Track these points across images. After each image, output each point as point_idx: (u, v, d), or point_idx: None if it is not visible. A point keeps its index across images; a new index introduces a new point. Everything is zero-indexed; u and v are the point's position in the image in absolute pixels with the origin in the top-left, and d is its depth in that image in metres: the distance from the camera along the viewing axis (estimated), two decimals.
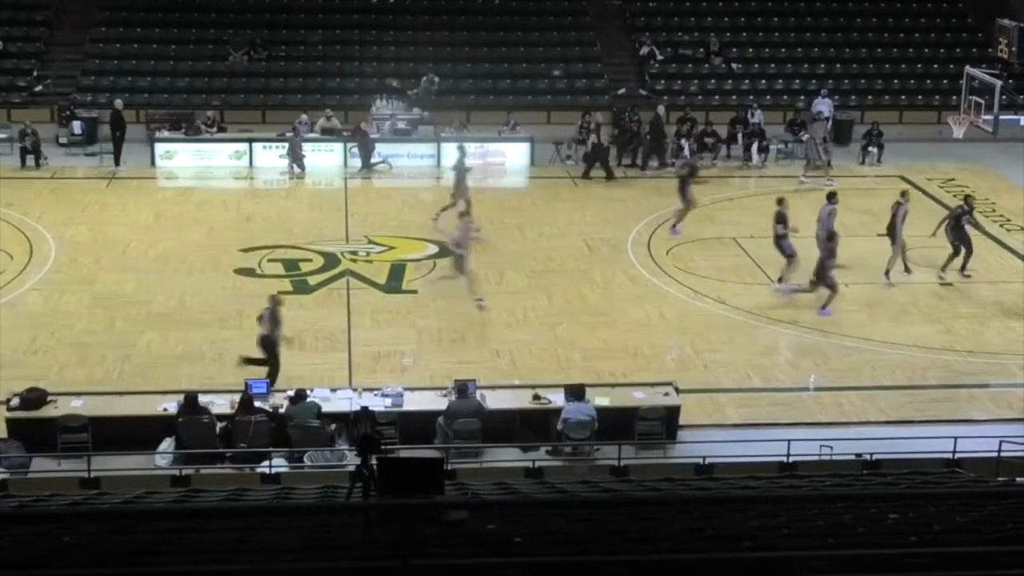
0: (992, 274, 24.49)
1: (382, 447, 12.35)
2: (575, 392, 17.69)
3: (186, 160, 31.08)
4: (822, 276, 22.30)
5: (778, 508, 10.18)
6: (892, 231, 23.98)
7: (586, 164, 30.70)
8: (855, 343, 21.36)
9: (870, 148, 32.21)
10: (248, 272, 24.05)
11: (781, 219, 23.42)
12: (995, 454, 16.31)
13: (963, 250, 23.95)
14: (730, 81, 35.84)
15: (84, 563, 8.01)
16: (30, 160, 30.31)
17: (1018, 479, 15.52)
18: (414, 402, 17.93)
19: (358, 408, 17.26)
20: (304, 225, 26.72)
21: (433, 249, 25.38)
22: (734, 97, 34.95)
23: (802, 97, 34.51)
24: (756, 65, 36.29)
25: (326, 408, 17.48)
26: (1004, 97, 28.48)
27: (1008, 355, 20.98)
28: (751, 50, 36.69)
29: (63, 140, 31.97)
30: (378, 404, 17.53)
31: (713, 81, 35.85)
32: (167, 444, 16.97)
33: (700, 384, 19.65)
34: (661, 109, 32.00)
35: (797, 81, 35.81)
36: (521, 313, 22.20)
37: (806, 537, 8.88)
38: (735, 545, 8.36)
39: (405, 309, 22.35)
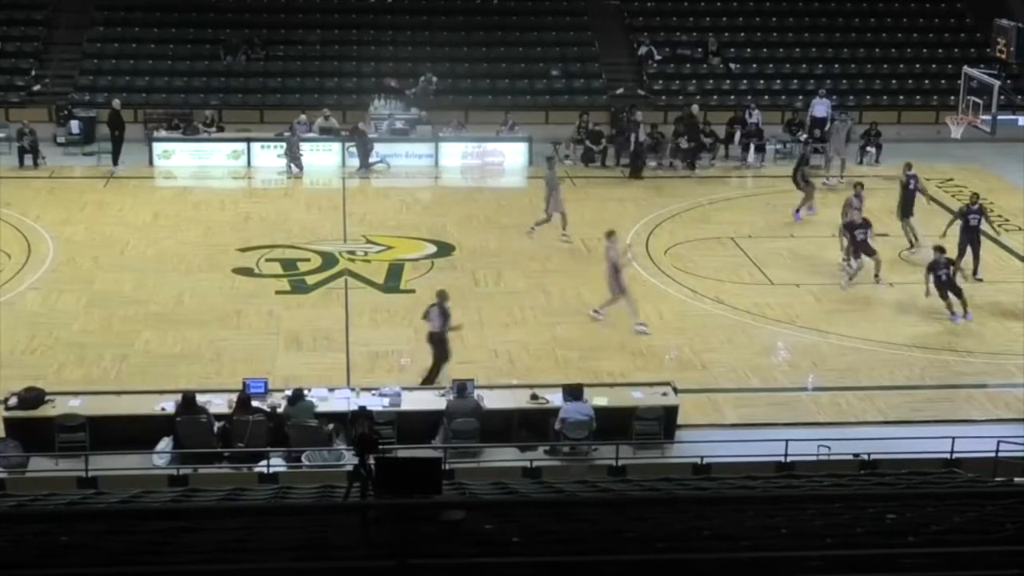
0: (990, 274, 24.48)
1: (380, 447, 12.34)
2: (573, 392, 17.68)
3: (184, 160, 31.07)
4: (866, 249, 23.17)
5: (776, 508, 10.17)
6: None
7: (631, 164, 30.76)
8: (853, 343, 21.37)
9: (868, 148, 32.23)
10: (246, 272, 24.05)
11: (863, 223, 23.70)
12: (993, 454, 16.32)
13: (968, 249, 23.87)
14: (728, 81, 35.86)
15: (82, 563, 8.00)
16: (28, 160, 30.32)
17: (1016, 479, 15.51)
18: (412, 402, 17.93)
19: (356, 408, 17.25)
20: (302, 225, 26.72)
21: (431, 249, 25.39)
22: (732, 97, 34.97)
23: (800, 97, 34.53)
24: (754, 65, 36.31)
25: (324, 408, 17.48)
26: (1002, 97, 28.49)
27: (1006, 355, 20.99)
28: (749, 50, 36.71)
29: (61, 140, 31.98)
30: (376, 404, 17.51)
31: (711, 81, 35.86)
32: (165, 444, 16.96)
33: (698, 384, 19.66)
34: (695, 108, 31.95)
35: (795, 81, 35.82)
36: (519, 313, 22.20)
37: (804, 537, 8.87)
38: (733, 545, 8.36)
39: (403, 309, 22.34)
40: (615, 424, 17.64)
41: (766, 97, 34.96)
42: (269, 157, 30.97)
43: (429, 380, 19.06)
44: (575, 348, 20.69)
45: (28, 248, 25.00)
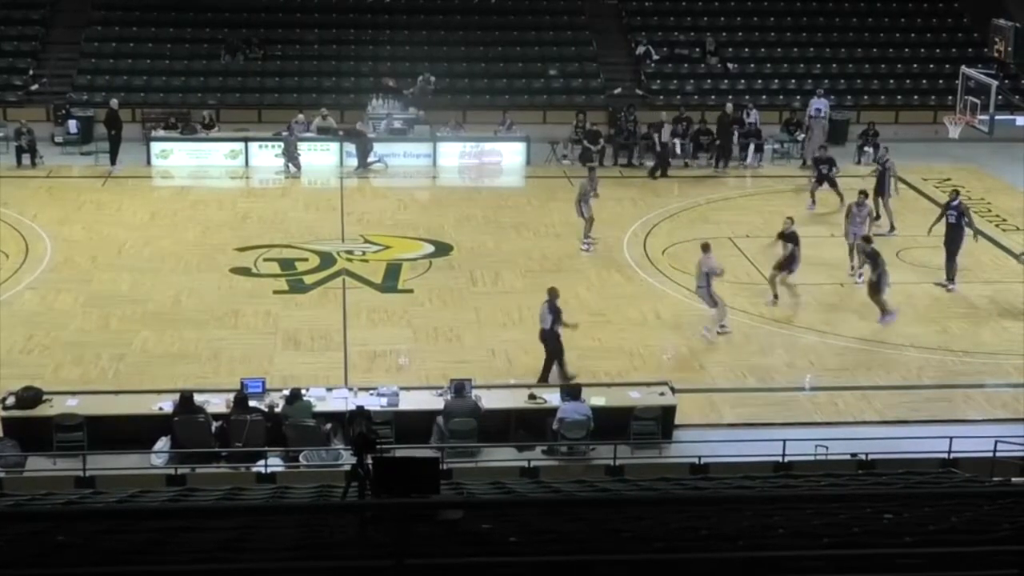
0: (987, 274, 24.51)
1: (377, 446, 12.36)
2: (571, 392, 17.69)
3: (182, 159, 31.06)
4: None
5: (773, 508, 10.18)
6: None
7: (655, 164, 30.80)
8: (850, 343, 21.38)
9: (866, 148, 32.24)
10: (244, 271, 24.05)
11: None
12: (990, 454, 16.33)
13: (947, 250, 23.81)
14: (726, 81, 35.85)
15: (79, 562, 8.00)
16: (26, 159, 30.30)
17: (1013, 479, 15.53)
18: (410, 401, 17.92)
19: (354, 407, 17.25)
20: (300, 224, 26.72)
21: (429, 248, 25.39)
22: (730, 97, 34.94)
23: (798, 97, 34.52)
24: (752, 65, 36.31)
25: (322, 407, 17.48)
26: (1000, 97, 28.49)
27: (1003, 355, 21.00)
28: (747, 50, 36.71)
29: (59, 139, 31.97)
30: (374, 403, 17.50)
31: (709, 81, 35.86)
32: (163, 443, 16.96)
33: (696, 384, 19.66)
34: (729, 107, 31.92)
35: (793, 81, 35.83)
36: (517, 313, 22.20)
37: (801, 537, 8.88)
38: (730, 545, 8.37)
39: (401, 308, 22.35)
40: (613, 424, 17.64)
41: (764, 97, 34.98)
42: (267, 157, 30.96)
43: (543, 378, 19.21)
44: (573, 348, 20.66)
45: (26, 248, 24.98)
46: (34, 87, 33.97)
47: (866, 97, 35.51)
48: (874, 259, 21.84)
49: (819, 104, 32.76)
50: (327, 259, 24.76)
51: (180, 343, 20.75)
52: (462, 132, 32.08)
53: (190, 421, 17.02)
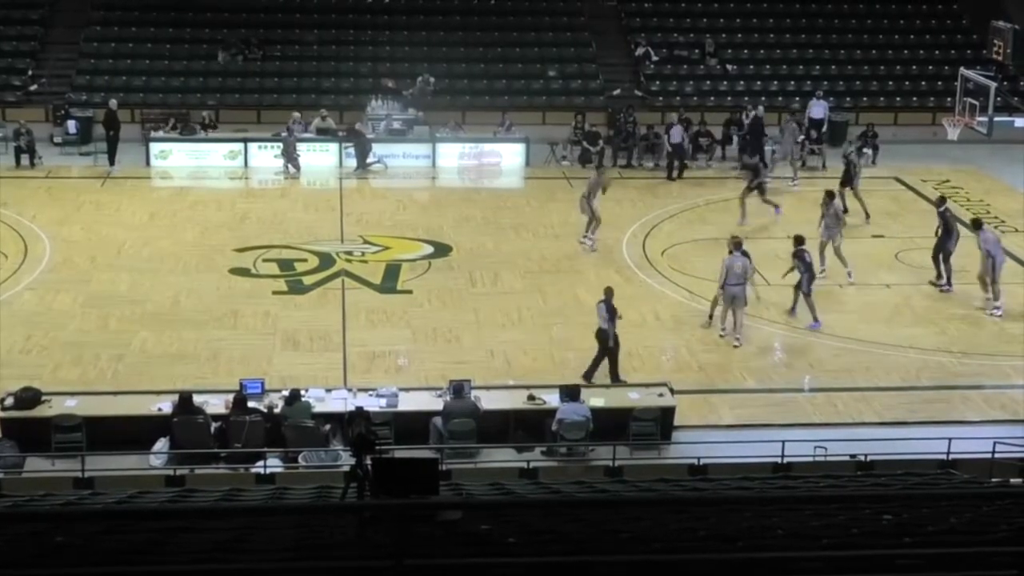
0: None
1: (377, 447, 12.35)
2: (570, 393, 17.69)
3: (181, 160, 31.05)
4: None
5: (772, 509, 10.19)
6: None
7: (668, 166, 30.80)
8: (849, 344, 21.38)
9: (865, 149, 32.19)
10: (243, 272, 24.04)
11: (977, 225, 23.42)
12: (989, 455, 16.34)
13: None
14: (725, 82, 35.85)
15: (78, 563, 8.00)
16: (25, 159, 30.30)
17: (1012, 480, 15.54)
18: (409, 402, 17.93)
19: (353, 408, 17.24)
20: (299, 225, 26.71)
21: (428, 249, 25.40)
22: (729, 98, 34.97)
23: (797, 98, 34.52)
24: (751, 66, 36.30)
25: (321, 408, 17.48)
26: (999, 99, 28.52)
27: (1002, 356, 21.00)
28: (746, 51, 36.71)
29: (58, 139, 31.95)
30: (373, 404, 17.49)
31: (708, 82, 35.85)
32: (161, 444, 16.96)
33: (694, 385, 19.67)
34: (761, 109, 31.83)
35: (792, 82, 35.82)
36: (516, 313, 22.21)
37: (800, 538, 8.88)
38: (729, 546, 8.37)
39: (400, 309, 22.35)
40: (612, 425, 17.65)
41: (763, 98, 34.95)
42: (266, 157, 30.95)
43: (588, 374, 19.36)
44: (572, 349, 20.69)
45: (24, 248, 24.97)
46: (33, 87, 33.96)
47: (865, 98, 35.50)
48: (802, 260, 21.76)
49: (818, 107, 32.77)
50: (326, 260, 24.76)
51: (179, 344, 20.75)
52: (461, 133, 32.08)
53: (189, 422, 17.03)
